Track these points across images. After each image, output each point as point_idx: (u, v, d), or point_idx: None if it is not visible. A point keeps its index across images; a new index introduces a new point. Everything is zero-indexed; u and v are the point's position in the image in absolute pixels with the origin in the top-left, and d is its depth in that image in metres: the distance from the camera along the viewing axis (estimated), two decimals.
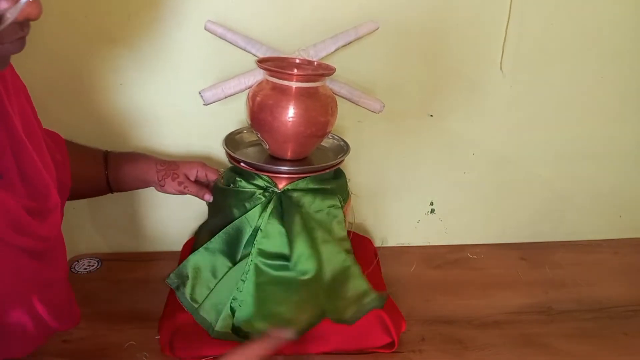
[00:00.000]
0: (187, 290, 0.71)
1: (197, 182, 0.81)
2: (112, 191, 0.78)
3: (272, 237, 0.70)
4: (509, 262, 1.01)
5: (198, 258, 0.72)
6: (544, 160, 1.03)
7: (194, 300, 0.71)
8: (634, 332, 0.82)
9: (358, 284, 0.73)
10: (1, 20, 0.38)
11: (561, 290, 0.93)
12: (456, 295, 0.90)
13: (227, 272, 0.71)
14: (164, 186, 0.79)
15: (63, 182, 0.66)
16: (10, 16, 0.38)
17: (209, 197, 0.79)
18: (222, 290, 0.71)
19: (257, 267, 0.69)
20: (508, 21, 0.88)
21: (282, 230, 0.70)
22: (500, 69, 0.91)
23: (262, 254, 0.70)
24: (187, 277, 0.71)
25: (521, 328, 0.82)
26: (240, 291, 0.70)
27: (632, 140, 1.04)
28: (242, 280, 0.70)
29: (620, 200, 1.10)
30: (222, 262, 0.71)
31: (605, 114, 1.01)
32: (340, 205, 0.75)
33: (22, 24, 0.42)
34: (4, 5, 0.38)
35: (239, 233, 0.71)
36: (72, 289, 0.64)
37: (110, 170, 0.76)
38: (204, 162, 0.81)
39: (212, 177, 0.80)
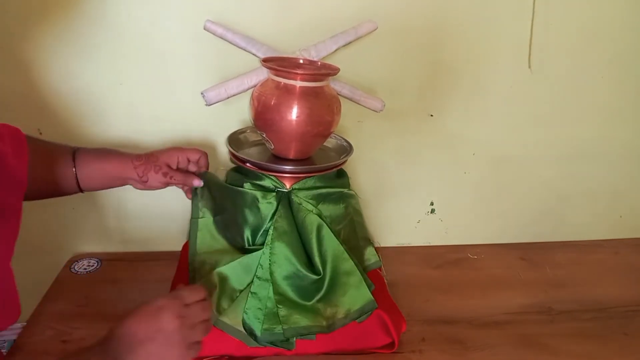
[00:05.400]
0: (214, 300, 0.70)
1: (179, 169, 0.77)
2: (82, 190, 0.73)
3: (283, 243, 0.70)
4: (509, 262, 1.01)
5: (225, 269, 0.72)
6: (544, 160, 1.03)
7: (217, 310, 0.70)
8: (634, 332, 0.82)
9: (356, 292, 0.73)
10: None
11: (561, 290, 0.93)
12: (456, 295, 0.90)
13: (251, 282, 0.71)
14: (147, 182, 0.74)
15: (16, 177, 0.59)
16: None
17: (198, 182, 0.76)
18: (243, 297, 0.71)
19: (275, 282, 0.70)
20: (532, 20, 0.88)
21: (295, 231, 0.71)
22: (529, 67, 0.92)
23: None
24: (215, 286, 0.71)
25: (521, 328, 0.82)
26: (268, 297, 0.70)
27: (632, 140, 1.04)
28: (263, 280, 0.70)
29: (620, 200, 1.10)
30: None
31: (605, 114, 1.01)
32: (353, 204, 0.76)
33: None
34: None
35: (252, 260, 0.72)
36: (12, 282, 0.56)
37: (79, 168, 0.71)
38: (179, 146, 0.78)
39: (193, 157, 0.77)
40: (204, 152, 0.78)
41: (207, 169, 0.79)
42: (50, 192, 0.71)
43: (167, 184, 0.75)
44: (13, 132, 0.62)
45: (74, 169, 0.70)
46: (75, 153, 0.71)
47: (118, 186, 0.75)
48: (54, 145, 0.71)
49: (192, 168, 0.79)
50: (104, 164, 0.72)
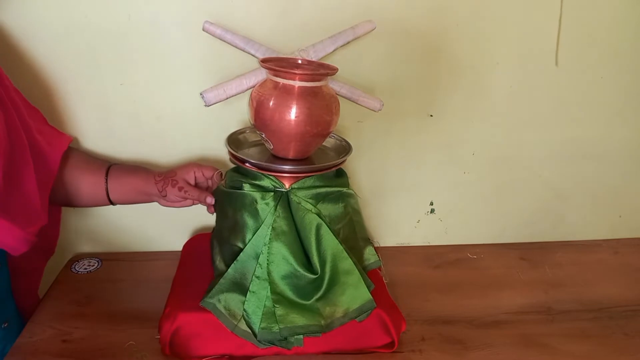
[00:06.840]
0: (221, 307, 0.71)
1: (197, 186, 0.80)
2: (112, 202, 0.79)
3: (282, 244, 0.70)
4: (508, 262, 1.01)
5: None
6: (544, 160, 1.03)
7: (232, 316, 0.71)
8: (634, 332, 0.82)
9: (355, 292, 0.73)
10: None
11: (561, 290, 0.93)
12: (456, 295, 0.90)
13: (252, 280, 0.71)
14: (165, 196, 0.78)
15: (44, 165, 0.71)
16: None
17: (211, 200, 0.78)
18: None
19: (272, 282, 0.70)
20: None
21: (294, 231, 0.71)
22: (556, 64, 0.92)
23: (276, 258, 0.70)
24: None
25: (521, 328, 0.82)
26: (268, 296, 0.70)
27: (632, 140, 1.04)
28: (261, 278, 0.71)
29: (620, 200, 1.10)
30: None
31: (605, 114, 1.01)
32: (352, 204, 0.76)
33: None
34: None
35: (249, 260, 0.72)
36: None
37: (110, 179, 0.77)
38: (197, 162, 0.81)
39: (208, 174, 0.80)
40: (218, 170, 0.80)
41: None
42: (84, 200, 0.79)
43: (184, 199, 0.79)
44: (60, 139, 0.77)
45: (105, 180, 0.77)
46: (110, 167, 0.79)
47: (144, 202, 0.81)
48: (94, 158, 0.81)
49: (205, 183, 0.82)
50: (131, 178, 0.79)
